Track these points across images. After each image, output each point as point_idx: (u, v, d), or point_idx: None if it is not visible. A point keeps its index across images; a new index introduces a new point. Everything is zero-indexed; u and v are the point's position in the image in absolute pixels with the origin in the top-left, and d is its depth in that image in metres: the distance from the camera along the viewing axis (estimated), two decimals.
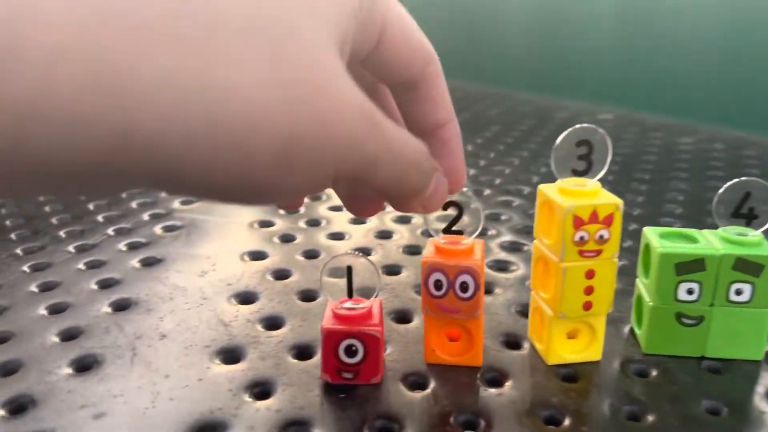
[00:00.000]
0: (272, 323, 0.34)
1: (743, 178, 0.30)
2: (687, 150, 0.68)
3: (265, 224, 0.48)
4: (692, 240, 0.31)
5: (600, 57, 0.96)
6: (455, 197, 0.28)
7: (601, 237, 0.28)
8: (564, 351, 0.30)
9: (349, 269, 0.29)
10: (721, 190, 0.30)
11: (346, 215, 0.50)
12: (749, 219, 0.30)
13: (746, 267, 0.29)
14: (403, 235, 0.47)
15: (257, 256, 0.43)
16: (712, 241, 0.30)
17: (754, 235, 0.30)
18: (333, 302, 0.29)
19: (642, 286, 0.32)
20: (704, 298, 0.30)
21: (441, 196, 0.25)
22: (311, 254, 0.43)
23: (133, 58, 0.15)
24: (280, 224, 0.48)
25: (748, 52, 0.81)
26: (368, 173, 0.21)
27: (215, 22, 0.17)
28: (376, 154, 0.20)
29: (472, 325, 0.30)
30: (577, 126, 0.28)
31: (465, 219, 0.29)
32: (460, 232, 0.29)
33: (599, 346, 0.31)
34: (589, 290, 0.29)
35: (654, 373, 0.30)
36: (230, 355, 0.31)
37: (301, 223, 0.48)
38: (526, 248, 0.44)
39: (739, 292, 0.30)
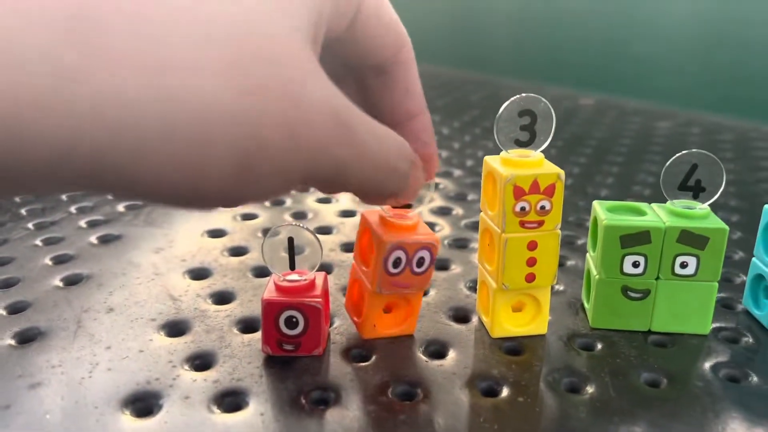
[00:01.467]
0: (222, 298, 0.34)
1: (691, 150, 0.29)
2: (663, 134, 0.68)
3: None
4: (640, 213, 0.30)
5: (583, 44, 0.96)
6: None
7: (542, 208, 0.28)
8: (509, 324, 0.30)
9: (291, 240, 0.28)
10: (668, 163, 0.30)
11: (313, 195, 0.50)
12: (696, 192, 0.30)
13: (691, 240, 0.29)
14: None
15: (216, 234, 0.42)
16: (659, 214, 0.30)
17: (701, 208, 0.30)
18: (276, 275, 0.29)
19: (590, 259, 0.32)
20: (650, 271, 0.30)
21: (416, 191, 0.24)
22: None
23: (77, 68, 0.14)
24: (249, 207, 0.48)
25: (726, 36, 0.80)
26: (338, 179, 0.19)
27: (168, 23, 0.16)
28: (348, 159, 0.19)
29: (414, 296, 0.29)
30: (520, 96, 0.28)
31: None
32: (409, 206, 0.29)
33: (544, 319, 0.30)
34: (531, 262, 0.29)
35: (599, 346, 0.30)
36: (175, 328, 0.31)
37: (267, 203, 0.48)
38: None
39: (684, 265, 0.29)
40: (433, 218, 0.46)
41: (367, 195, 0.22)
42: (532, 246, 0.28)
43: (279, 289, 0.28)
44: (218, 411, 0.25)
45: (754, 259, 0.32)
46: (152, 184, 0.16)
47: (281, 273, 0.29)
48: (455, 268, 0.38)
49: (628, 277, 0.30)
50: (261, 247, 0.27)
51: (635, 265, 0.30)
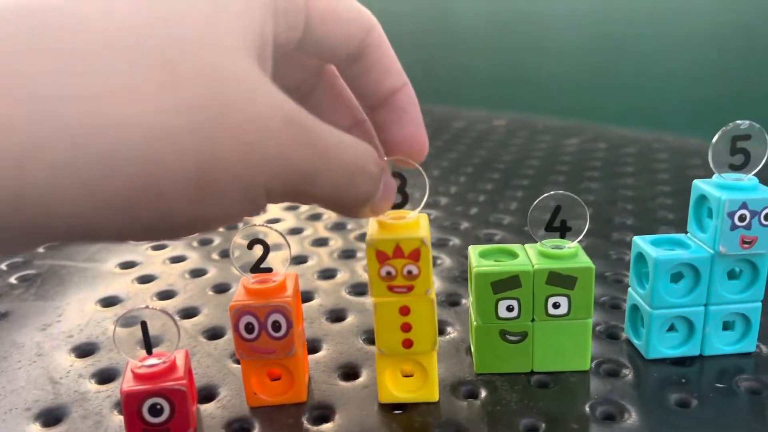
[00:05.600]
0: (105, 377, 0.33)
1: (551, 192, 0.30)
2: (570, 152, 0.70)
3: (129, 265, 0.46)
4: (513, 255, 0.31)
5: (492, 65, 0.98)
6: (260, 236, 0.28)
7: (409, 272, 0.27)
8: (396, 390, 0.29)
9: (144, 324, 0.27)
10: (531, 207, 0.30)
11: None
12: (563, 232, 0.30)
13: (559, 280, 0.29)
14: (337, 241, 0.46)
15: (109, 302, 0.41)
16: (530, 256, 0.30)
17: (570, 247, 0.30)
18: (133, 362, 0.28)
19: (471, 305, 0.32)
20: (524, 314, 0.30)
21: (390, 198, 0.24)
22: (166, 295, 0.42)
23: (9, 116, 0.14)
24: (146, 266, 0.47)
25: (623, 50, 0.83)
26: (305, 186, 0.19)
27: (99, 46, 0.16)
28: (311, 164, 0.19)
29: (290, 362, 0.29)
30: None
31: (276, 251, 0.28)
32: (268, 270, 0.28)
33: (433, 385, 0.29)
34: (406, 327, 0.28)
35: (483, 393, 0.30)
36: (51, 416, 0.30)
37: (165, 260, 0.47)
38: None
39: (556, 306, 0.30)
40: (334, 263, 0.45)
41: (337, 201, 0.21)
42: (405, 311, 0.28)
43: (138, 377, 0.27)
44: None
45: (629, 290, 0.33)
46: (111, 222, 0.16)
47: (137, 359, 0.28)
48: (350, 319, 0.38)
49: (504, 321, 0.30)
50: (113, 330, 0.26)
51: (509, 309, 0.30)
